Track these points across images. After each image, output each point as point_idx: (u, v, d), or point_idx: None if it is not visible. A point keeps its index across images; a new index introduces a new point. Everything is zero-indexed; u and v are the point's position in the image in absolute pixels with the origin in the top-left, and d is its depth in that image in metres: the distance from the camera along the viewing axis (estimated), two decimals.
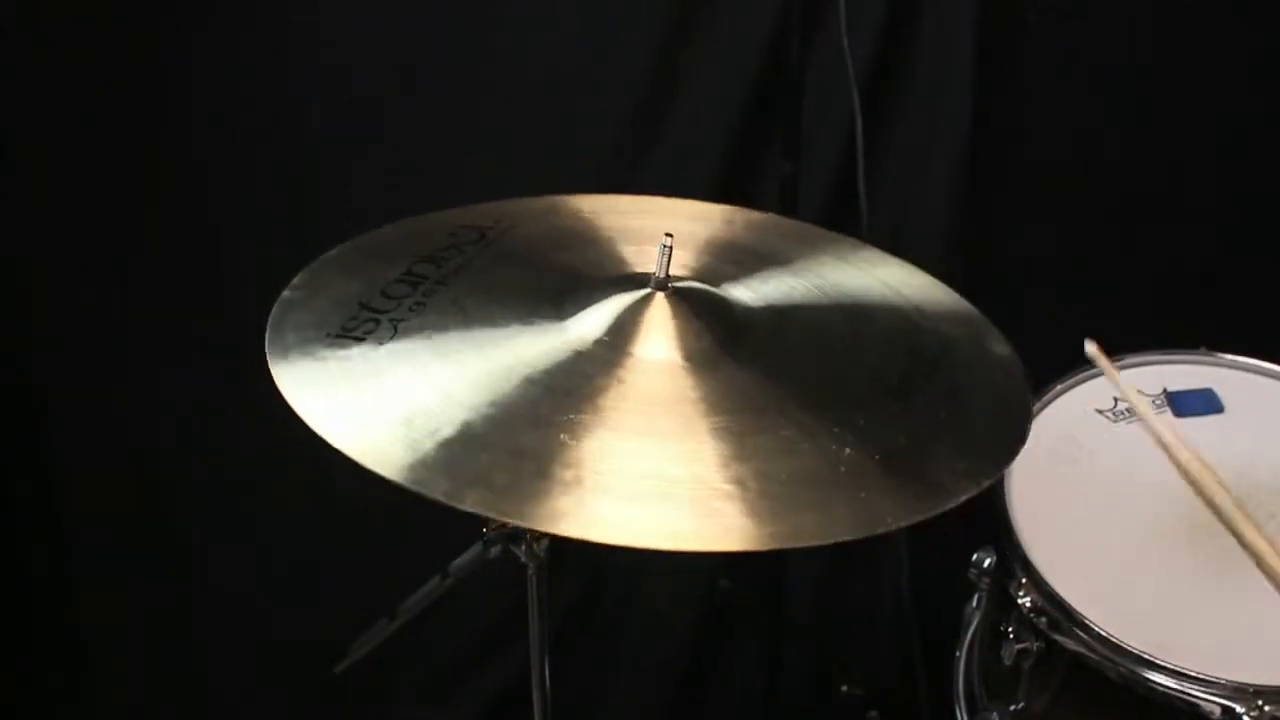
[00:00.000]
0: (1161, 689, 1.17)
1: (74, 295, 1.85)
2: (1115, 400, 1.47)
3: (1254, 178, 1.87)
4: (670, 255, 1.13)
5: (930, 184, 1.90)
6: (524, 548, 1.21)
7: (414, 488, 0.94)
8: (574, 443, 0.99)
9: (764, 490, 0.97)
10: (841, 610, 2.15)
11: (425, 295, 1.15)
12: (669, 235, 1.14)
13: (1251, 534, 1.26)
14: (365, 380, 1.05)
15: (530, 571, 1.22)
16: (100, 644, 2.01)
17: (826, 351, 1.17)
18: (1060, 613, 1.24)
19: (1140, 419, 1.40)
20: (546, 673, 1.30)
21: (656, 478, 0.97)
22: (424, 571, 1.41)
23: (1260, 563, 1.24)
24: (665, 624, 2.11)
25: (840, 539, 0.95)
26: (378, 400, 1.03)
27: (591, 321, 1.12)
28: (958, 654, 1.46)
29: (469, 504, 0.93)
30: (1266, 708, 1.13)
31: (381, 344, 1.08)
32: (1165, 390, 1.48)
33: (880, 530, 0.96)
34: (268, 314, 1.11)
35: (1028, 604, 1.27)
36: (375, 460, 0.96)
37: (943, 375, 1.14)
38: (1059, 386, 1.47)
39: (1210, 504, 1.30)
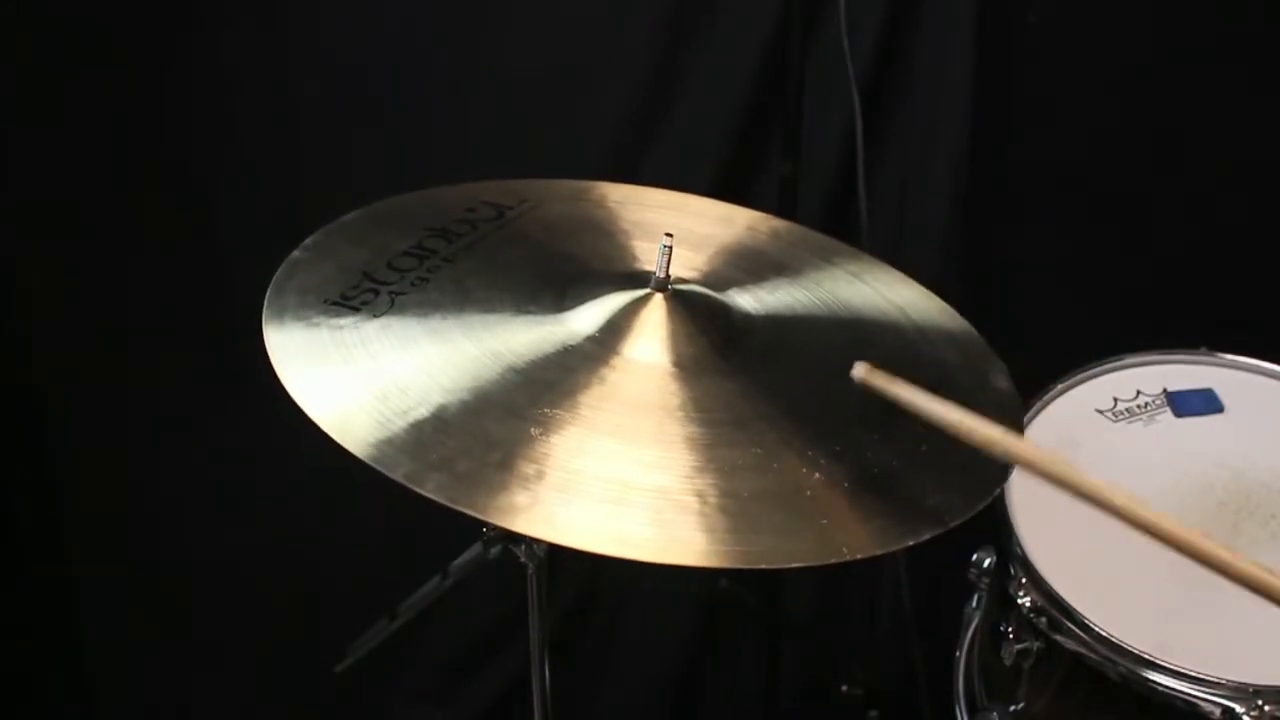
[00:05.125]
0: (1161, 689, 1.17)
1: (74, 295, 1.85)
2: (1115, 400, 1.47)
3: (1254, 177, 1.87)
4: (670, 256, 1.12)
5: (930, 184, 1.90)
6: (523, 548, 1.21)
7: (375, 465, 0.93)
8: (544, 438, 0.98)
9: (724, 506, 0.94)
10: (841, 610, 2.15)
11: (430, 271, 1.15)
12: (669, 235, 1.13)
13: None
14: (352, 350, 1.04)
15: (530, 572, 1.22)
16: (100, 644, 2.01)
17: (819, 369, 1.14)
18: (1060, 613, 1.24)
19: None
20: (546, 673, 1.30)
21: (618, 482, 0.95)
22: (424, 571, 1.41)
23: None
24: (665, 624, 2.11)
25: (792, 565, 0.93)
26: (359, 373, 1.02)
27: (587, 317, 1.11)
28: (958, 654, 1.46)
29: (428, 489, 0.92)
30: (1266, 708, 1.13)
31: (376, 316, 1.08)
32: (1165, 390, 1.48)
33: (834, 561, 0.93)
34: None
35: (1028, 604, 1.27)
36: (343, 434, 0.96)
37: None
38: (1059, 386, 1.47)
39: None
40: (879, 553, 0.95)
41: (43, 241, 1.81)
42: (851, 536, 0.95)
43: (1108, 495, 0.88)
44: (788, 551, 0.94)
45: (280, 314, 1.07)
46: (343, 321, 1.07)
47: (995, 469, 1.07)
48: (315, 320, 1.07)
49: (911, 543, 0.96)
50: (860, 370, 0.99)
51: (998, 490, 1.06)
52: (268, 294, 1.10)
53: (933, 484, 1.02)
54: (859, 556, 0.93)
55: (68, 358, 1.87)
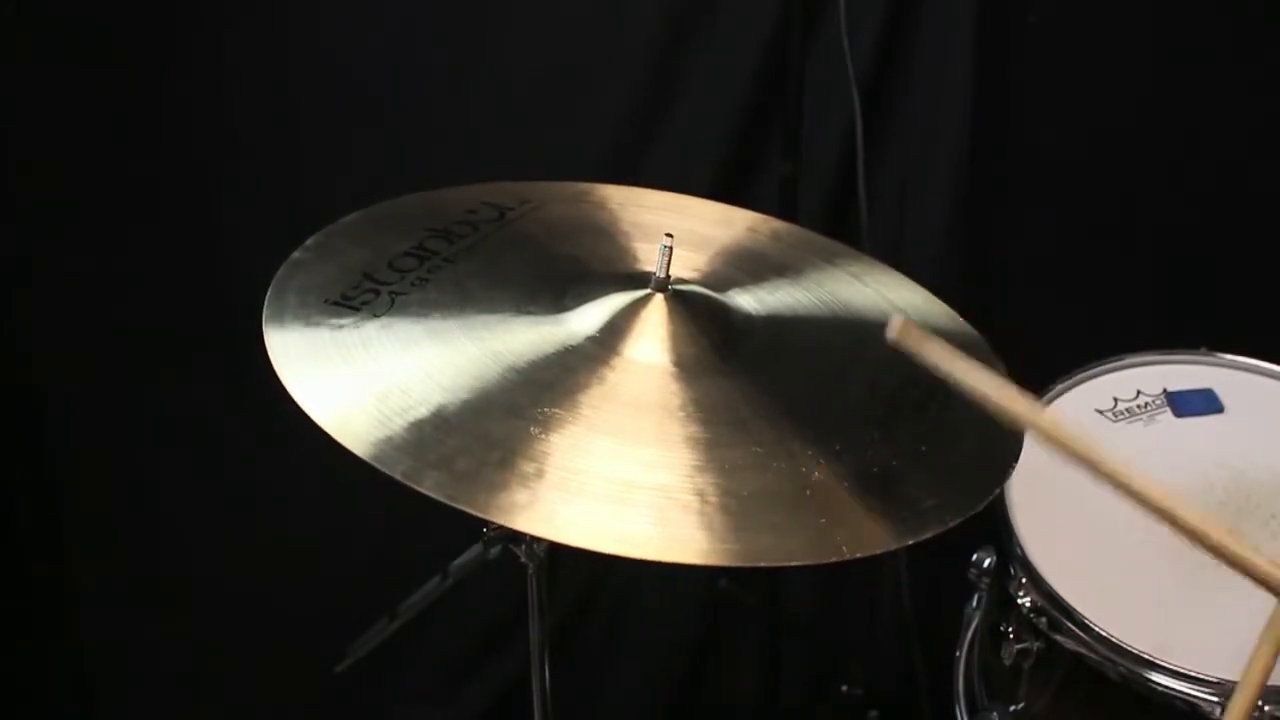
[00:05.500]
0: (1161, 689, 1.17)
1: (74, 295, 1.85)
2: (1115, 400, 1.47)
3: (1254, 177, 1.87)
4: (670, 256, 1.13)
5: (930, 184, 1.90)
6: (524, 548, 1.21)
7: (375, 464, 0.93)
8: (543, 436, 0.98)
9: (723, 505, 0.95)
10: (841, 610, 2.15)
11: (430, 271, 1.15)
12: (669, 236, 1.13)
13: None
14: (352, 350, 1.04)
15: (530, 572, 1.22)
16: (100, 644, 2.01)
17: (819, 370, 1.15)
18: (1060, 613, 1.24)
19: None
20: (546, 673, 1.30)
21: (618, 481, 0.95)
22: (424, 571, 1.41)
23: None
24: (665, 624, 2.11)
25: (791, 563, 0.93)
26: (360, 372, 1.02)
27: (587, 317, 1.11)
28: (958, 654, 1.46)
29: (426, 486, 0.92)
30: (1266, 708, 1.13)
31: (376, 316, 1.08)
32: (1165, 390, 1.48)
33: (833, 560, 0.93)
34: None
35: (1028, 604, 1.27)
36: (342, 432, 0.96)
37: (933, 407, 1.11)
38: (1059, 386, 1.47)
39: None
40: (878, 552, 0.95)
41: (43, 241, 1.81)
42: (850, 535, 0.95)
43: (1138, 485, 0.86)
44: (787, 550, 0.94)
45: (281, 314, 1.08)
46: (343, 321, 1.07)
47: (995, 469, 1.07)
48: (315, 320, 1.07)
49: (911, 542, 0.96)
50: (896, 327, 0.94)
51: (997, 490, 1.06)
52: (268, 294, 1.10)
53: (932, 484, 1.02)
54: (858, 555, 0.93)
55: (68, 358, 1.87)
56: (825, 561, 0.93)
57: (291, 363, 1.03)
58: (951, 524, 0.98)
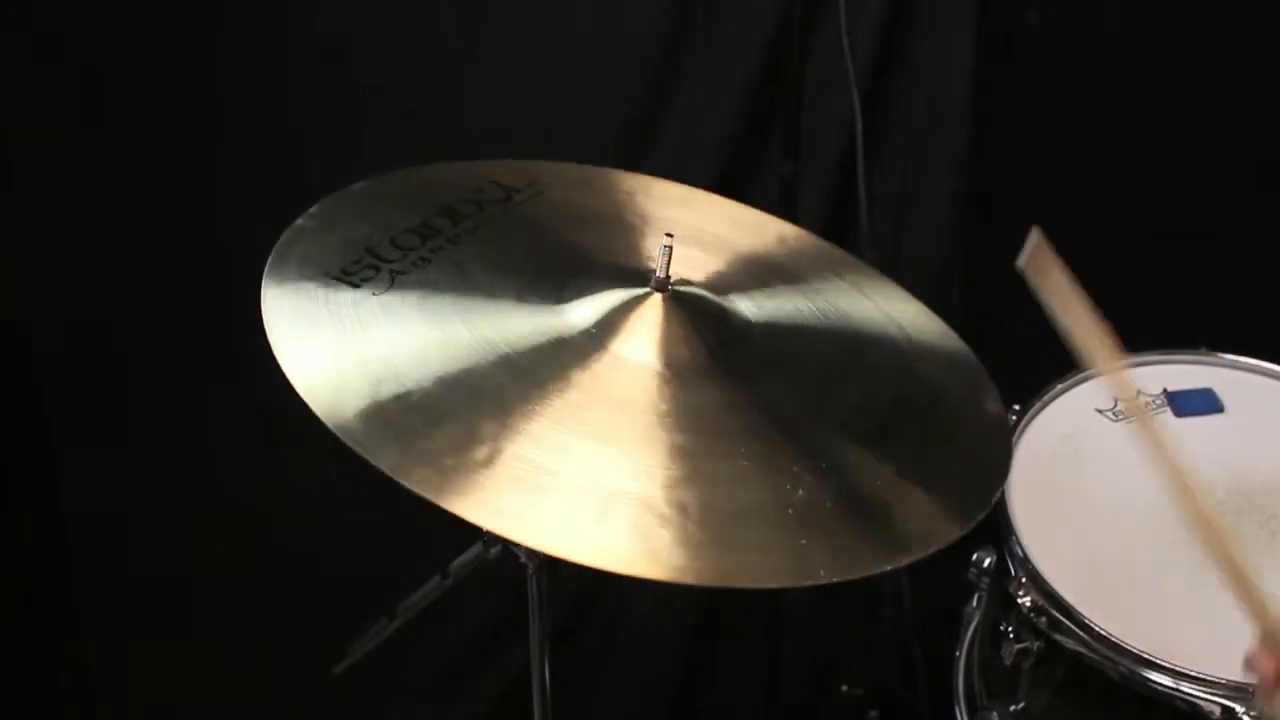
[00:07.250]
0: (1161, 689, 1.17)
1: (74, 295, 1.85)
2: (1115, 400, 1.47)
3: (1254, 178, 1.87)
4: (670, 256, 1.12)
5: (930, 184, 1.90)
6: (523, 548, 1.21)
7: (364, 455, 0.92)
8: (533, 436, 0.96)
9: (704, 520, 0.92)
10: (841, 610, 2.15)
11: (432, 251, 1.13)
12: (669, 236, 1.12)
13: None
14: (349, 329, 1.03)
15: (530, 571, 1.22)
16: (100, 644, 2.00)
17: (812, 382, 1.13)
18: (1060, 612, 1.24)
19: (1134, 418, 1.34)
20: (546, 673, 1.30)
21: (601, 488, 0.93)
22: (424, 571, 1.40)
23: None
24: (665, 624, 2.11)
25: (769, 585, 0.91)
26: (354, 354, 1.00)
27: (584, 311, 1.10)
28: (958, 654, 1.46)
29: (413, 483, 0.91)
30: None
31: (375, 294, 1.06)
32: (1165, 390, 1.48)
33: (811, 583, 0.90)
34: None
35: (1028, 604, 1.27)
36: (318, 402, 0.94)
37: (926, 427, 1.10)
38: (1059, 386, 1.47)
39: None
40: (855, 576, 0.92)
41: (43, 241, 1.81)
42: (829, 558, 0.93)
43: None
44: (764, 572, 0.92)
45: (281, 283, 1.06)
46: (341, 297, 1.05)
47: (981, 494, 1.05)
48: (314, 293, 1.05)
49: (890, 568, 0.94)
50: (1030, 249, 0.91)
51: (982, 515, 1.03)
52: (270, 258, 1.08)
53: (917, 507, 1.00)
54: (835, 580, 0.91)
55: (68, 358, 1.87)
56: (802, 584, 0.90)
57: (288, 338, 1.01)
58: (934, 549, 0.96)
